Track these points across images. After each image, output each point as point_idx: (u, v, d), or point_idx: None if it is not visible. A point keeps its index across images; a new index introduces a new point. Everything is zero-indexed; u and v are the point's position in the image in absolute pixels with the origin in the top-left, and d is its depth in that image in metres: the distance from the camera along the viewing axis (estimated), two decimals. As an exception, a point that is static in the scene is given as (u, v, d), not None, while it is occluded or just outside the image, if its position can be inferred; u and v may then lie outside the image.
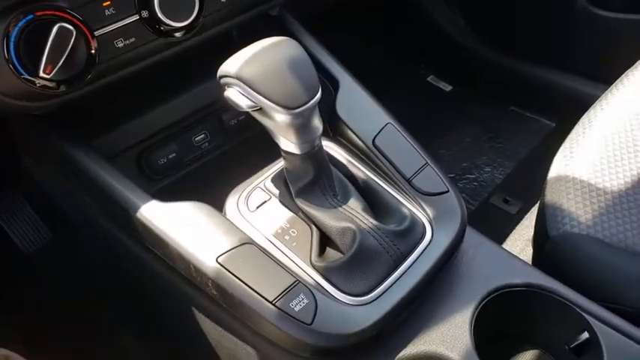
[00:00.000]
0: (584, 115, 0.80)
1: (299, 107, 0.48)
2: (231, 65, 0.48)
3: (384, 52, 1.60)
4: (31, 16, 0.46)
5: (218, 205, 0.57)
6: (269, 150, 0.55)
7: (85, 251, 0.83)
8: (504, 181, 1.31)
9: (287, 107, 0.47)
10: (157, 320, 0.70)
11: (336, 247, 0.52)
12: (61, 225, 0.89)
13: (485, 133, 1.43)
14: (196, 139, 0.71)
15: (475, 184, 1.31)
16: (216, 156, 0.72)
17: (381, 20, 1.59)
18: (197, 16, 0.54)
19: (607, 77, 1.19)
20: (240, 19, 0.60)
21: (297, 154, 0.51)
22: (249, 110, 0.49)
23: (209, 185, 0.67)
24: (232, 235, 0.51)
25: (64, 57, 0.47)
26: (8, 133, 0.72)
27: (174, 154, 0.69)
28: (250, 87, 0.47)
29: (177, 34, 0.55)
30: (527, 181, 1.14)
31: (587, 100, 1.21)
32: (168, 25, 0.53)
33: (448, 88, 1.59)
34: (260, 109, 0.49)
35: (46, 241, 1.00)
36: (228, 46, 0.59)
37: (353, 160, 0.59)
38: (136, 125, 0.66)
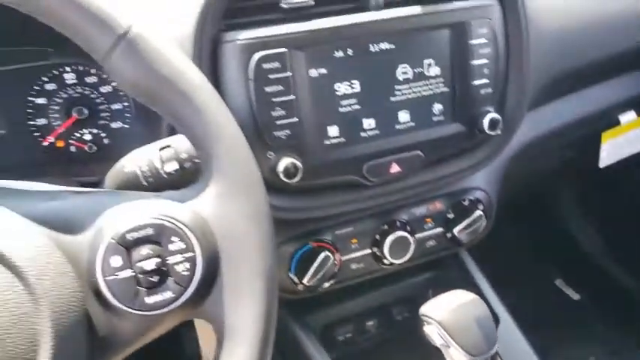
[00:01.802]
0: None
1: (480, 355, 0.63)
2: (435, 312, 0.66)
3: (515, 246, 1.71)
4: (309, 246, 0.70)
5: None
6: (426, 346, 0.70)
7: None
8: (627, 411, 1.29)
9: (471, 354, 0.63)
10: None
11: None
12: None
13: (609, 355, 1.43)
14: (368, 324, 0.89)
15: (595, 408, 1.30)
16: (383, 341, 0.89)
17: (516, 219, 1.73)
18: (410, 256, 0.74)
19: None
20: (436, 256, 0.80)
21: (466, 386, 0.66)
22: (440, 346, 0.66)
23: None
24: None
25: (321, 273, 0.69)
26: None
27: (349, 334, 0.87)
28: (446, 332, 0.64)
29: (391, 264, 0.76)
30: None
31: None
32: (389, 260, 0.74)
33: (576, 296, 1.63)
34: (447, 347, 0.66)
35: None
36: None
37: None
38: (329, 311, 0.86)
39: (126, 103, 0.73)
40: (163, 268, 0.38)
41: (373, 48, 0.64)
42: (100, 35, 0.37)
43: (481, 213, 0.77)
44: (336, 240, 0.72)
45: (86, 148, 0.72)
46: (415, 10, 0.64)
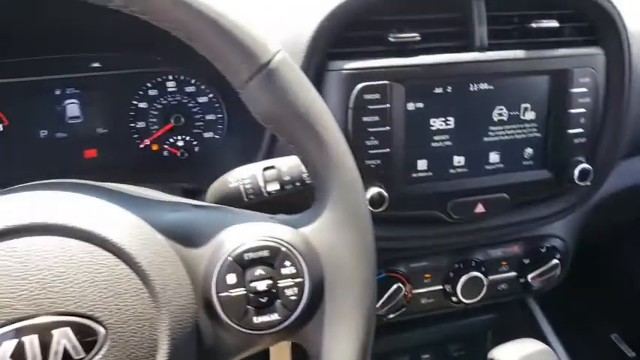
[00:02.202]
0: None
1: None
2: (506, 357, 0.65)
3: (573, 293, 1.65)
4: (382, 275, 0.70)
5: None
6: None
7: None
8: None
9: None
10: None
11: None
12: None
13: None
14: (423, 356, 0.88)
15: None
16: None
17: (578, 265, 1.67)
18: (481, 297, 0.73)
19: None
20: (505, 299, 0.79)
21: None
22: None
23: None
24: None
25: (391, 304, 0.69)
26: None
27: None
28: (518, 382, 0.63)
29: (459, 302, 0.75)
30: None
31: None
32: (459, 298, 0.73)
33: (632, 353, 1.55)
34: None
35: None
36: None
37: None
38: (387, 340, 0.86)
39: (219, 115, 0.76)
40: (273, 291, 0.40)
41: (473, 87, 0.64)
42: (242, 63, 0.39)
43: (557, 262, 0.75)
44: (409, 272, 0.72)
45: (178, 154, 0.76)
46: (518, 54, 0.64)
